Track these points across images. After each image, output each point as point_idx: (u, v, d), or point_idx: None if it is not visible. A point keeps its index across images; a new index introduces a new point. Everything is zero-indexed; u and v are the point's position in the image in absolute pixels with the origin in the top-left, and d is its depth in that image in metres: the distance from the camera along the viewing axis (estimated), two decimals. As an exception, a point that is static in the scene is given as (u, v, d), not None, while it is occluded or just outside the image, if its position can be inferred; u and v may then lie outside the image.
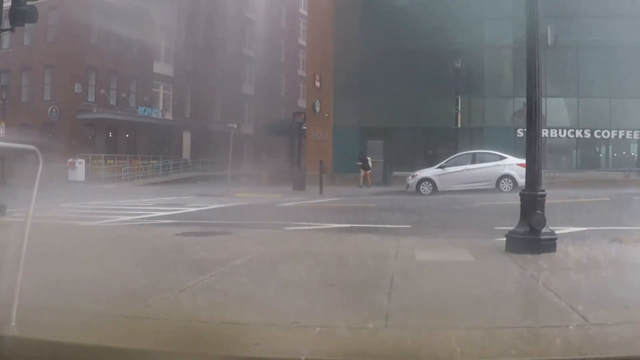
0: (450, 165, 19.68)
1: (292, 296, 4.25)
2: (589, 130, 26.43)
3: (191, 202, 16.54)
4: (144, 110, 35.27)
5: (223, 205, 15.34)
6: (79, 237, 7.74)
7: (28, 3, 9.76)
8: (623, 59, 25.01)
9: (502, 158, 19.23)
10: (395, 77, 26.02)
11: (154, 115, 36.17)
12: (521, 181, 16.36)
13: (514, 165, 18.33)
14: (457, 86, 23.93)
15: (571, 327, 3.29)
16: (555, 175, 22.19)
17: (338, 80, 27.52)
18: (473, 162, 19.65)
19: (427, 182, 19.51)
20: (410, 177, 20.17)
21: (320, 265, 5.62)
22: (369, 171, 24.43)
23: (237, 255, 5.93)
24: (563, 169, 25.54)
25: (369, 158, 24.77)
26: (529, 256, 5.66)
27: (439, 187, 19.28)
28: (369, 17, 26.97)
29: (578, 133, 26.52)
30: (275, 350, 3.04)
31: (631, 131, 26.37)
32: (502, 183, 18.64)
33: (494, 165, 19.09)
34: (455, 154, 20.98)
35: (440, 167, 19.86)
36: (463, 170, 19.41)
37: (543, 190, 6.17)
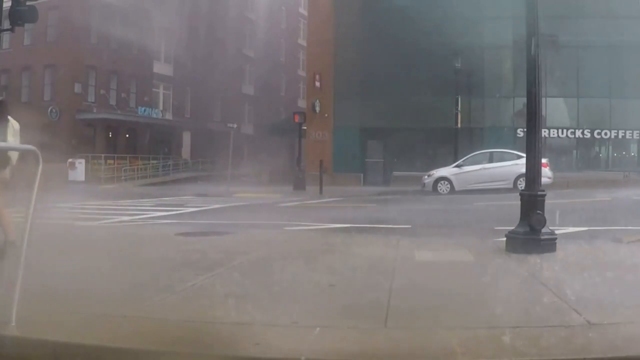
0: (467, 164, 19.53)
1: (292, 296, 4.25)
2: (589, 130, 26.41)
3: (191, 202, 16.54)
4: (144, 110, 35.24)
5: (223, 205, 15.33)
6: (79, 237, 7.74)
7: (28, 3, 9.76)
8: (623, 59, 24.99)
9: (519, 157, 18.96)
10: (395, 77, 26.00)
11: (154, 115, 36.14)
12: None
13: None
14: (457, 86, 23.91)
15: (571, 327, 3.29)
16: (555, 175, 22.15)
17: (338, 80, 27.48)
18: (490, 161, 19.51)
19: (444, 181, 19.38)
20: (426, 176, 19.97)
21: (320, 265, 5.62)
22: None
23: (237, 255, 5.93)
24: (563, 169, 25.51)
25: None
26: (529, 256, 5.65)
27: (456, 187, 19.09)
28: (369, 17, 26.95)
29: (578, 133, 26.49)
30: (275, 350, 3.04)
31: (631, 131, 26.33)
32: (520, 182, 18.47)
33: (512, 165, 18.82)
34: (455, 154, 20.94)
35: (457, 166, 19.66)
36: (480, 169, 19.23)
37: (543, 190, 6.17)
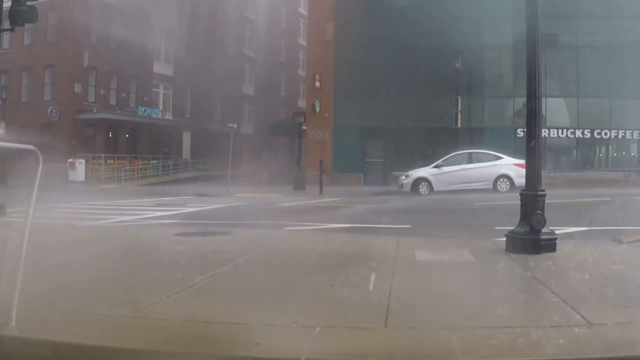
0: (446, 165, 19.48)
1: (292, 296, 4.26)
2: (589, 130, 26.38)
3: (191, 202, 16.54)
4: (144, 110, 35.24)
5: (223, 205, 15.34)
6: (79, 237, 7.74)
7: (28, 3, 9.75)
8: (623, 59, 24.98)
9: (498, 158, 19.08)
10: (395, 77, 26.02)
11: (154, 115, 36.14)
12: (518, 181, 16.32)
13: (511, 165, 18.24)
14: (457, 86, 23.90)
15: (571, 327, 3.29)
16: (555, 175, 22.15)
17: (338, 80, 27.50)
18: (469, 161, 19.47)
19: (423, 182, 19.34)
20: (403, 177, 19.89)
21: (320, 265, 5.62)
22: None
23: (237, 255, 5.92)
24: (563, 169, 25.50)
25: None
26: (529, 256, 5.65)
27: (435, 187, 19.04)
28: (369, 18, 26.95)
29: (578, 133, 26.46)
30: (275, 350, 3.04)
31: (631, 131, 26.31)
32: (499, 183, 18.51)
33: (491, 165, 18.88)
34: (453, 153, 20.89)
35: (436, 166, 19.57)
36: (460, 169, 19.17)
37: (543, 190, 6.16)
